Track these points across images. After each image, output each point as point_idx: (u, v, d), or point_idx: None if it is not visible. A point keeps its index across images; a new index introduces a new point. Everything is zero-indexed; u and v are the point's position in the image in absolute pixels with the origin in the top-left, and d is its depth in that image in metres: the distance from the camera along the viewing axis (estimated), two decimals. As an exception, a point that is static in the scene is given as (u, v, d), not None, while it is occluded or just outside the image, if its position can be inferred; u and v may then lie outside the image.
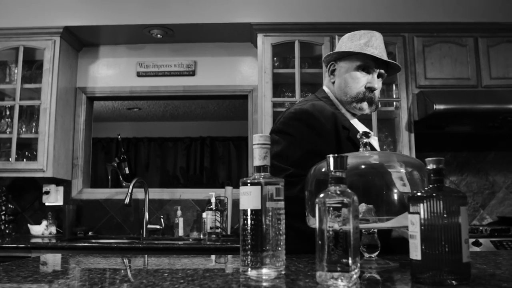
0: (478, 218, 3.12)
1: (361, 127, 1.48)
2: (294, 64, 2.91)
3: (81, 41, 3.23)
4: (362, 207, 1.11)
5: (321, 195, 0.85)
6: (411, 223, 0.85)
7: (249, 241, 0.91)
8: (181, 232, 2.96)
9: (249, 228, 0.91)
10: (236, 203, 2.92)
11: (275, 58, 2.96)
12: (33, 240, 2.63)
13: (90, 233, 3.03)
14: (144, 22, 2.95)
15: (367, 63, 1.42)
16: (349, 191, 0.86)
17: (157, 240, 2.83)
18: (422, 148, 3.10)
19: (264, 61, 2.86)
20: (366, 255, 1.10)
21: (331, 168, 0.87)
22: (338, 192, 0.85)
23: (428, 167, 0.87)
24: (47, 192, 3.08)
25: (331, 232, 0.82)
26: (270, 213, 0.92)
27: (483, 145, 3.21)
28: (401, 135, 2.83)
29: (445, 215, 0.81)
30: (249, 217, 0.92)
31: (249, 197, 0.93)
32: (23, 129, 2.98)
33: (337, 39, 2.89)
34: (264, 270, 0.90)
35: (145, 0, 2.97)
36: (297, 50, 2.87)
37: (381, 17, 2.93)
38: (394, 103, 2.93)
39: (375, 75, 1.43)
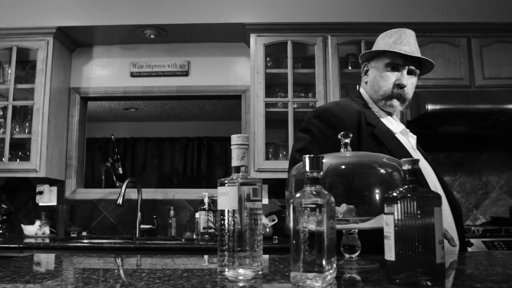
0: (471, 218, 3.12)
1: (395, 125, 1.49)
2: (287, 64, 2.91)
3: (74, 41, 3.23)
4: (343, 207, 1.11)
5: (297, 196, 0.85)
6: (386, 224, 0.85)
7: (226, 241, 0.92)
8: (174, 232, 2.96)
9: (226, 228, 0.92)
10: (229, 203, 2.92)
11: (267, 58, 2.96)
12: (26, 240, 2.63)
13: (83, 233, 3.03)
14: (137, 23, 2.95)
15: (395, 60, 1.45)
16: (325, 191, 0.86)
17: (149, 240, 2.83)
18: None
19: (256, 61, 2.86)
20: (347, 255, 1.10)
21: (307, 168, 0.87)
22: (314, 193, 0.85)
23: (404, 168, 0.87)
24: (41, 192, 3.09)
25: (305, 233, 0.82)
26: (247, 214, 0.92)
27: (477, 145, 3.21)
28: (394, 135, 2.82)
29: (418, 216, 0.81)
30: (226, 217, 0.92)
31: (226, 198, 0.93)
32: (17, 129, 2.98)
33: (330, 39, 2.89)
34: (241, 270, 0.90)
35: (138, 0, 2.97)
36: (289, 50, 2.88)
37: (374, 17, 2.93)
38: (387, 103, 2.93)
39: (405, 72, 1.46)
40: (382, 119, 1.47)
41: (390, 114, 1.53)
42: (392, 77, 1.46)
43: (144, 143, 6.43)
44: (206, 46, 3.25)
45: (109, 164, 3.22)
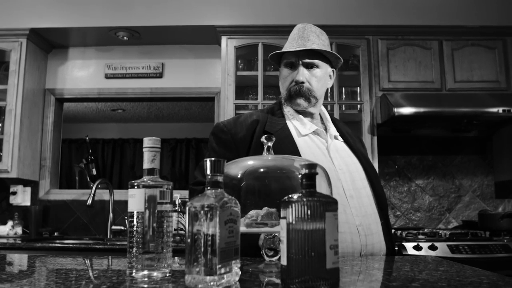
0: (444, 222, 3.12)
1: (308, 126, 1.45)
2: (258, 66, 2.91)
3: (50, 43, 3.24)
4: (263, 210, 1.11)
5: (194, 199, 0.85)
6: (281, 228, 0.86)
7: (134, 243, 0.92)
8: (145, 234, 2.96)
9: (134, 230, 0.93)
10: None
11: (239, 61, 2.96)
12: (-3, 241, 2.64)
13: (56, 234, 3.04)
14: (110, 25, 2.97)
15: (289, 59, 1.44)
16: (226, 195, 0.87)
17: (119, 241, 2.84)
18: (389, 151, 3.11)
19: (227, 63, 2.87)
20: (267, 259, 1.11)
21: (208, 172, 0.88)
22: (214, 196, 0.86)
23: (301, 172, 0.87)
24: (14, 193, 3.10)
25: (199, 235, 0.83)
26: (154, 216, 0.93)
27: (450, 149, 3.20)
28: (364, 138, 2.82)
29: (309, 221, 0.81)
30: (134, 220, 0.93)
31: (134, 200, 0.94)
32: (-10, 130, 3.00)
33: (300, 42, 2.89)
34: (146, 272, 0.91)
35: (111, 2, 2.98)
36: (260, 53, 2.88)
37: (346, 19, 2.93)
38: (358, 106, 2.94)
39: (300, 68, 1.43)
40: (293, 121, 1.45)
41: (310, 114, 1.49)
42: (290, 76, 1.44)
43: (132, 144, 6.45)
44: (180, 48, 3.26)
45: (83, 165, 3.23)
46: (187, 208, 0.86)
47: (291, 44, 1.44)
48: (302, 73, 1.42)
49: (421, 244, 2.43)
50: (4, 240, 2.66)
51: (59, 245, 2.58)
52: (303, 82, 1.42)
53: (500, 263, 2.34)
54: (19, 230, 3.01)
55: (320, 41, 1.44)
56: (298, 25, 1.48)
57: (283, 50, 1.45)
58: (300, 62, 1.42)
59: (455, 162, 3.18)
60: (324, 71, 1.47)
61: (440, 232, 2.59)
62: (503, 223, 2.69)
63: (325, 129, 1.50)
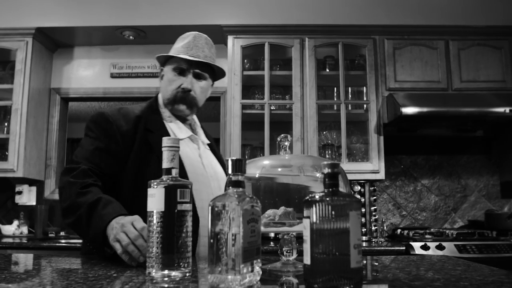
0: (449, 221, 3.12)
1: (184, 131, 1.47)
2: (264, 66, 2.91)
3: (55, 42, 3.24)
4: (280, 210, 1.11)
5: (215, 198, 0.85)
6: (304, 228, 0.85)
7: (154, 242, 0.92)
8: (150, 233, 2.96)
9: (154, 230, 0.92)
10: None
11: (245, 60, 2.96)
12: (3, 240, 2.64)
13: (61, 233, 3.03)
14: (115, 24, 2.97)
15: (180, 65, 1.44)
16: (247, 194, 0.87)
17: (125, 241, 2.83)
18: (395, 151, 3.11)
19: (233, 63, 2.87)
20: (284, 258, 1.11)
21: (229, 171, 0.88)
22: (237, 195, 0.85)
23: (323, 171, 0.87)
24: (20, 192, 3.09)
25: (222, 235, 0.82)
26: (174, 215, 0.92)
27: (456, 149, 3.20)
28: (370, 138, 2.82)
29: (333, 220, 0.81)
30: (154, 219, 0.92)
31: (154, 199, 0.93)
32: (-4, 129, 3.00)
33: (307, 41, 2.89)
34: (167, 272, 0.91)
35: (116, 1, 2.98)
36: (267, 52, 2.88)
37: (352, 19, 2.93)
38: (365, 105, 2.93)
39: (190, 76, 1.44)
40: (170, 124, 1.46)
41: (184, 119, 1.51)
42: (178, 81, 1.45)
43: (135, 144, 6.43)
44: (186, 48, 3.25)
45: (88, 165, 3.21)
46: (209, 207, 0.86)
47: (184, 50, 1.44)
48: (191, 82, 1.44)
49: (428, 243, 2.43)
50: (10, 240, 2.66)
51: (66, 244, 2.58)
52: (190, 90, 1.44)
53: (507, 262, 2.34)
54: (24, 229, 3.01)
55: (210, 53, 1.48)
56: (193, 32, 1.50)
57: (176, 54, 1.44)
58: (191, 71, 1.44)
59: (461, 162, 3.18)
60: (209, 83, 1.51)
61: (447, 231, 2.59)
62: (510, 223, 2.69)
63: None
